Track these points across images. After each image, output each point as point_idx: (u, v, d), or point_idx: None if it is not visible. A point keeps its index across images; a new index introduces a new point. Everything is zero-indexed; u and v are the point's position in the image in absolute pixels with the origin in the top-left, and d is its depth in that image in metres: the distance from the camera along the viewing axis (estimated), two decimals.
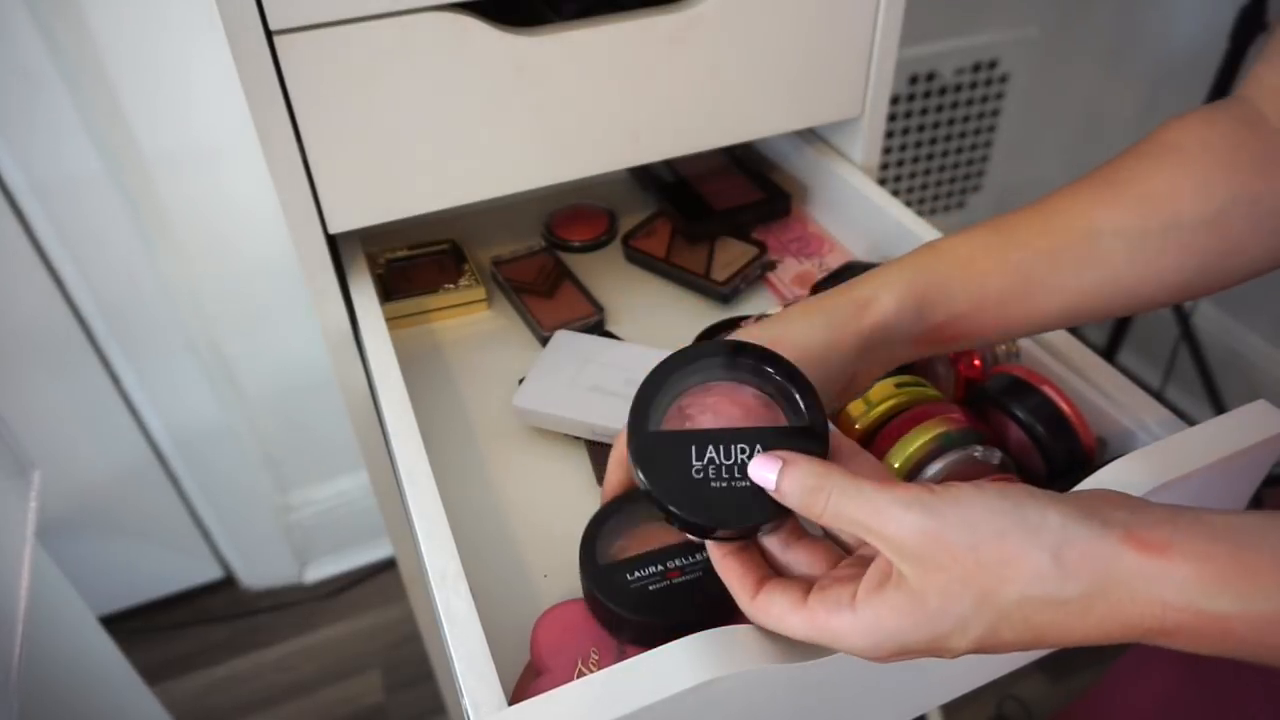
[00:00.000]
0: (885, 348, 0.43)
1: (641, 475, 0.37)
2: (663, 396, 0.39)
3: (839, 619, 0.32)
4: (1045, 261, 0.42)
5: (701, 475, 0.36)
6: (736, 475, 0.36)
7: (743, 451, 0.36)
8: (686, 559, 0.44)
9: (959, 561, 0.30)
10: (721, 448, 0.37)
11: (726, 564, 0.37)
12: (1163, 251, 0.41)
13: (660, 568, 0.43)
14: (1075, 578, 0.29)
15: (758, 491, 0.36)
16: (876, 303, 0.42)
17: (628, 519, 0.46)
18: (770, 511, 0.35)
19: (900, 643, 0.31)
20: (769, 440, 0.37)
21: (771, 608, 0.34)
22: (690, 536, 0.38)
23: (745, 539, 0.37)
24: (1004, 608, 0.30)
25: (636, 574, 0.43)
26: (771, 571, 0.37)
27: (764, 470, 0.35)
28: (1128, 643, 0.30)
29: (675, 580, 0.43)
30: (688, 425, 0.38)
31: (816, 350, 0.41)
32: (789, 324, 0.42)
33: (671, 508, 0.36)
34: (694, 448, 0.37)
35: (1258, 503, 0.74)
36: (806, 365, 0.39)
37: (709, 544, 0.38)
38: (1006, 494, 0.31)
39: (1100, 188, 0.43)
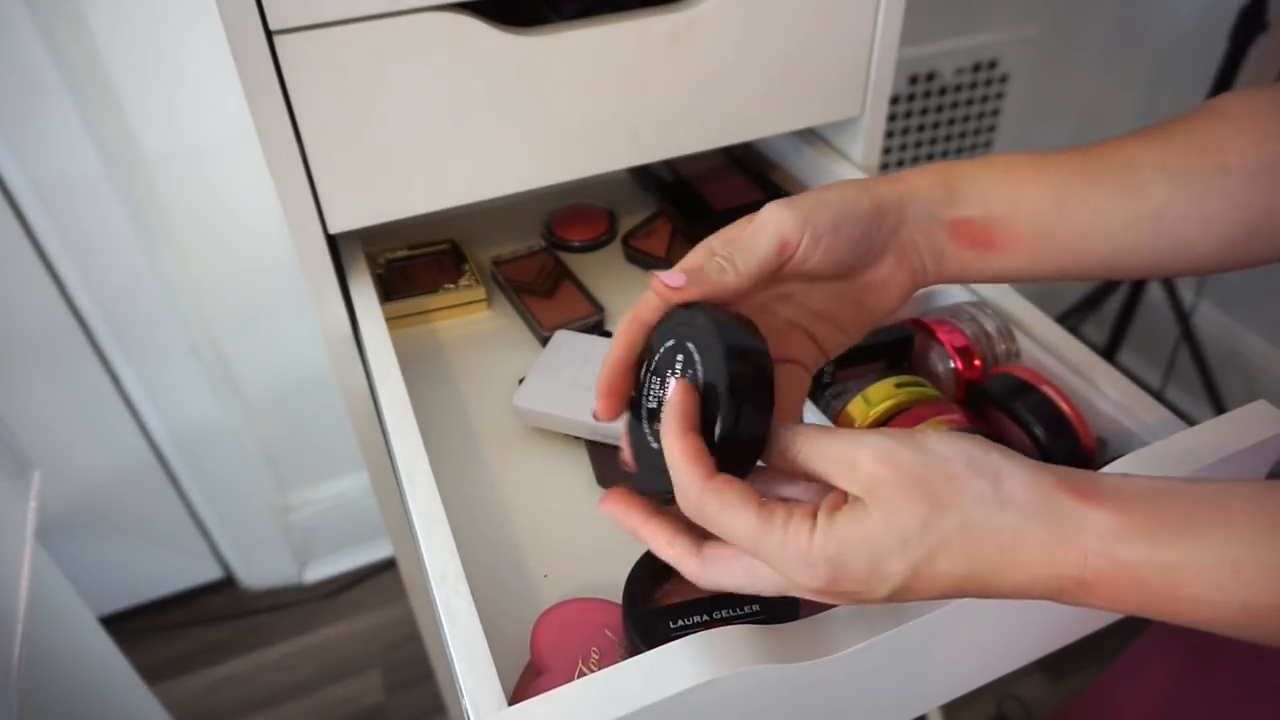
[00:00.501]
0: (921, 226, 0.41)
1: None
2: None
3: (798, 524, 0.32)
4: (1083, 181, 0.41)
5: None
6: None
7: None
8: (733, 610, 0.42)
9: (906, 476, 0.32)
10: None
11: (685, 442, 0.34)
12: (1207, 193, 0.41)
13: (705, 617, 0.42)
14: (1011, 504, 0.31)
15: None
16: (906, 178, 0.42)
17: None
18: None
19: (840, 560, 0.32)
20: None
21: (727, 491, 0.33)
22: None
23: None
24: (945, 530, 0.31)
25: (680, 622, 0.42)
26: None
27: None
28: (1047, 599, 0.32)
29: None
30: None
31: (858, 211, 0.40)
32: (825, 191, 0.41)
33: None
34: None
35: None
36: (846, 227, 0.39)
37: (665, 432, 0.35)
38: (954, 437, 0.33)
39: (1141, 134, 0.43)
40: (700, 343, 0.36)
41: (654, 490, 0.36)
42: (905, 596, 0.33)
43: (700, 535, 0.36)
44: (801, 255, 0.39)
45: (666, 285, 0.37)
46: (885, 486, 0.32)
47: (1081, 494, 0.31)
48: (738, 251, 0.38)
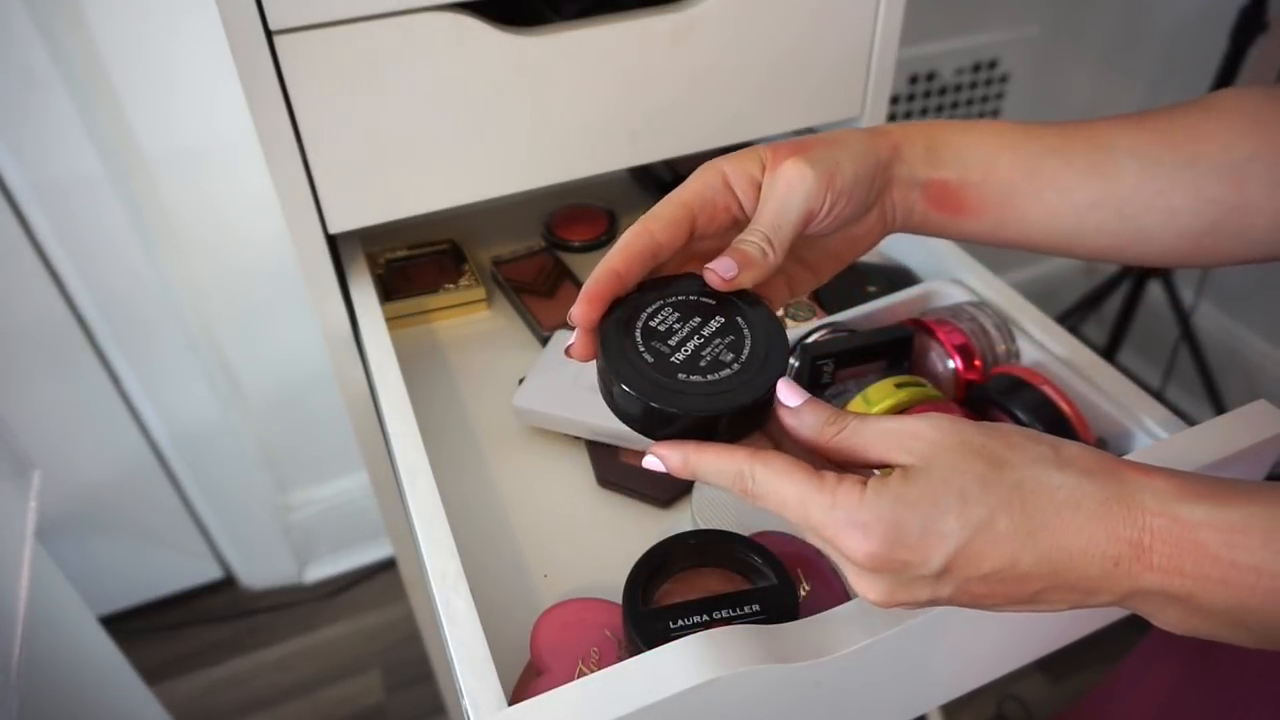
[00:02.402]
0: (901, 183, 0.42)
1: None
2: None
3: (849, 488, 0.31)
4: (1057, 158, 0.42)
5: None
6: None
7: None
8: (733, 610, 0.42)
9: (966, 442, 0.32)
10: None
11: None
12: (1176, 184, 0.41)
13: (705, 617, 0.42)
14: (1070, 465, 0.31)
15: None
16: (896, 135, 0.42)
17: (675, 564, 0.46)
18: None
19: (896, 524, 0.30)
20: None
21: (774, 461, 0.33)
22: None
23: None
24: (1004, 488, 0.31)
25: (680, 622, 0.42)
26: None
27: (791, 392, 0.35)
28: (1104, 579, 0.30)
29: None
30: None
31: (866, 171, 0.41)
32: (837, 147, 0.41)
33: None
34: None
35: None
36: (858, 191, 0.40)
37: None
38: (1006, 425, 0.34)
39: (1127, 118, 0.43)
40: (751, 321, 0.37)
41: (648, 410, 0.35)
42: (960, 568, 0.31)
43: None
44: (819, 223, 0.40)
45: (722, 277, 0.37)
46: (946, 452, 0.31)
47: (1137, 468, 0.32)
48: (772, 231, 0.38)
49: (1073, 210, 0.42)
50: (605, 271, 0.37)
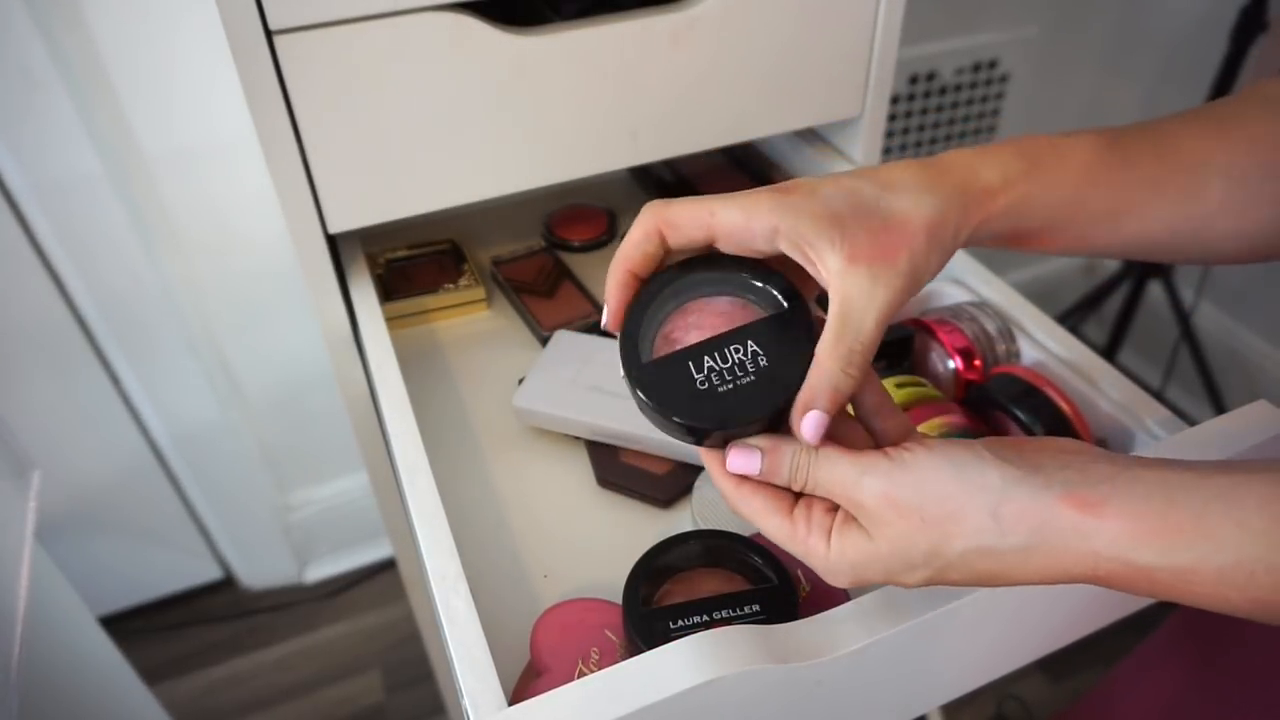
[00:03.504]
0: (974, 237, 0.41)
1: (650, 403, 0.37)
2: (646, 330, 0.39)
3: (816, 541, 0.36)
4: (1150, 188, 0.41)
5: (706, 385, 0.37)
6: (739, 374, 0.37)
7: (738, 352, 0.37)
8: (733, 610, 0.42)
9: (906, 517, 0.34)
10: (717, 354, 0.37)
11: (713, 456, 0.38)
12: (1259, 199, 0.41)
13: (705, 617, 0.42)
14: (1013, 532, 0.32)
15: (767, 380, 0.36)
16: (988, 203, 0.39)
17: (675, 564, 0.46)
18: (786, 392, 0.36)
19: (858, 575, 0.35)
20: (758, 333, 0.38)
21: (755, 501, 0.37)
22: (704, 449, 0.39)
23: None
24: (949, 558, 0.34)
25: (680, 622, 0.42)
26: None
27: (746, 461, 0.37)
28: (1068, 583, 0.33)
29: None
30: (677, 348, 0.38)
31: (920, 230, 0.38)
32: (898, 196, 0.38)
33: (691, 422, 0.36)
34: (691, 363, 0.37)
35: None
36: (924, 279, 0.38)
37: (704, 451, 0.39)
38: (953, 458, 0.34)
39: (1208, 123, 0.42)
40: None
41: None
42: (934, 585, 0.35)
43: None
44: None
45: (814, 438, 0.36)
46: (887, 528, 0.34)
47: (1087, 505, 0.31)
48: (850, 359, 0.36)
49: (1151, 236, 0.42)
50: (623, 273, 0.39)
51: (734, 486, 0.38)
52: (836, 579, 0.36)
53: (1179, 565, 0.30)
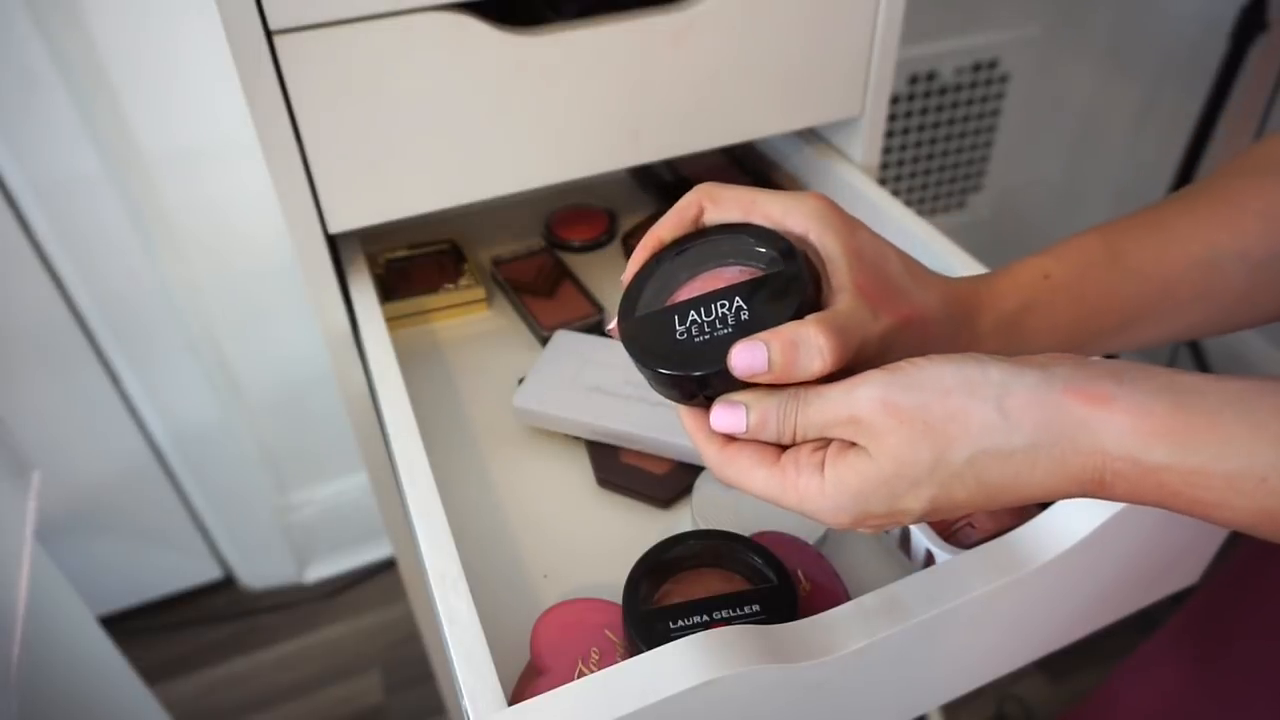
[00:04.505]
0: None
1: (631, 352, 0.38)
2: (652, 294, 0.39)
3: (807, 480, 0.33)
4: (1158, 295, 0.40)
5: (685, 337, 0.37)
6: (718, 327, 0.37)
7: (723, 306, 0.37)
8: (733, 610, 0.42)
9: (908, 423, 0.31)
10: (702, 309, 0.37)
11: (695, 420, 0.37)
12: (1274, 280, 0.40)
13: (705, 617, 0.42)
14: (1019, 429, 0.30)
15: (742, 332, 0.36)
16: (968, 336, 0.40)
17: (675, 564, 0.46)
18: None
19: (861, 507, 0.33)
20: (747, 291, 0.37)
21: (740, 459, 0.35)
22: (680, 402, 0.38)
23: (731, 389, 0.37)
24: (955, 466, 0.31)
25: (680, 622, 0.42)
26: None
27: (730, 417, 0.35)
28: (1073, 496, 0.32)
29: None
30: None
31: (928, 324, 0.38)
32: (920, 287, 0.38)
33: (659, 368, 0.36)
34: (676, 316, 0.38)
35: None
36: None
37: (681, 409, 0.38)
38: (951, 357, 0.33)
39: (1218, 206, 0.41)
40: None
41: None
42: (934, 515, 0.33)
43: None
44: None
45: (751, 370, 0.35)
46: (888, 437, 0.32)
47: (1094, 398, 0.30)
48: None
49: (1158, 336, 0.42)
50: (655, 239, 0.40)
51: (717, 450, 0.36)
52: (838, 516, 0.33)
53: (1189, 466, 0.29)
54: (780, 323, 0.35)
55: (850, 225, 0.38)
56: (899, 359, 0.34)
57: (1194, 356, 1.41)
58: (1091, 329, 0.41)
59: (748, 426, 0.35)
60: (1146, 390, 0.30)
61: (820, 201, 0.38)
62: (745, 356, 0.34)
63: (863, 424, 0.32)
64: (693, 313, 0.37)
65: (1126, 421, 0.29)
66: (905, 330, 0.37)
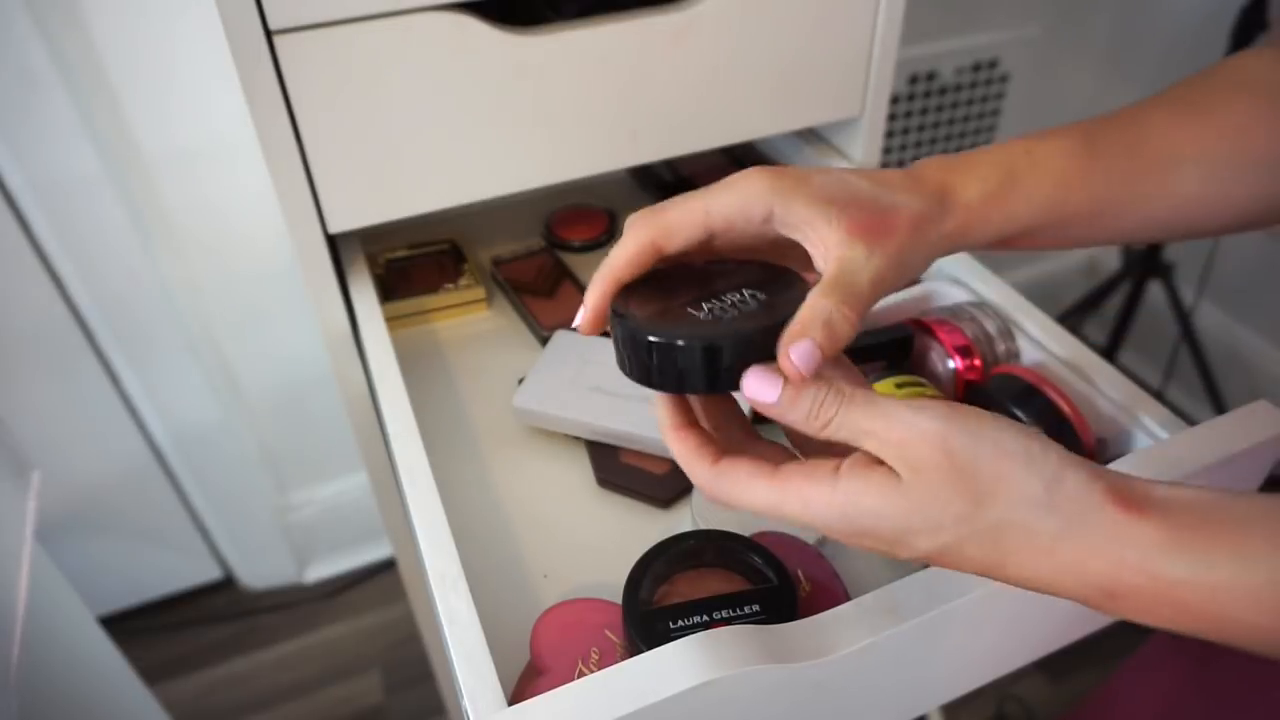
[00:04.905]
0: (956, 246, 0.40)
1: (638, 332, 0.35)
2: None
3: (815, 487, 0.32)
4: (1126, 186, 0.41)
5: (707, 316, 0.35)
6: (731, 310, 0.35)
7: (735, 295, 0.35)
8: (733, 609, 0.42)
9: (956, 468, 0.30)
10: (715, 300, 0.35)
11: (680, 436, 0.36)
12: (1235, 183, 0.42)
13: (705, 617, 0.42)
14: (1056, 513, 0.30)
15: (762, 313, 0.34)
16: (966, 215, 0.39)
17: (675, 564, 0.46)
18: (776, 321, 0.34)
19: (869, 525, 0.31)
20: (751, 277, 0.36)
21: (735, 472, 0.34)
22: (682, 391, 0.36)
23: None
24: (982, 525, 0.31)
25: (680, 622, 0.42)
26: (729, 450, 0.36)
27: (763, 384, 0.33)
28: (1074, 600, 0.31)
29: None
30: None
31: (908, 222, 0.37)
32: (887, 191, 0.37)
33: (652, 337, 0.34)
34: (689, 309, 0.35)
35: None
36: (912, 271, 0.37)
37: (663, 432, 0.36)
38: (1020, 428, 0.32)
39: (1183, 111, 0.42)
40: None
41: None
42: (933, 562, 0.32)
43: (723, 451, 0.35)
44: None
45: (802, 372, 0.33)
46: (931, 473, 0.31)
47: (1129, 505, 0.30)
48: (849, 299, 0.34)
49: (1124, 229, 0.42)
50: (610, 282, 0.37)
51: (708, 467, 0.34)
52: (838, 525, 0.32)
53: (1211, 581, 0.28)
54: (793, 308, 0.34)
55: (801, 179, 0.36)
56: (912, 270, 0.35)
57: (1194, 357, 1.41)
58: (1067, 210, 0.41)
59: (778, 400, 0.33)
60: (1178, 505, 0.30)
61: (762, 178, 0.36)
62: (803, 353, 0.32)
63: (909, 450, 0.31)
64: (705, 304, 0.35)
65: (1154, 533, 0.29)
66: (907, 240, 0.36)
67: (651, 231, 0.36)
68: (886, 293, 0.36)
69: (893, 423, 0.31)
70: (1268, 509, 0.29)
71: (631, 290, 0.37)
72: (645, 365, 0.35)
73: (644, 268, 0.37)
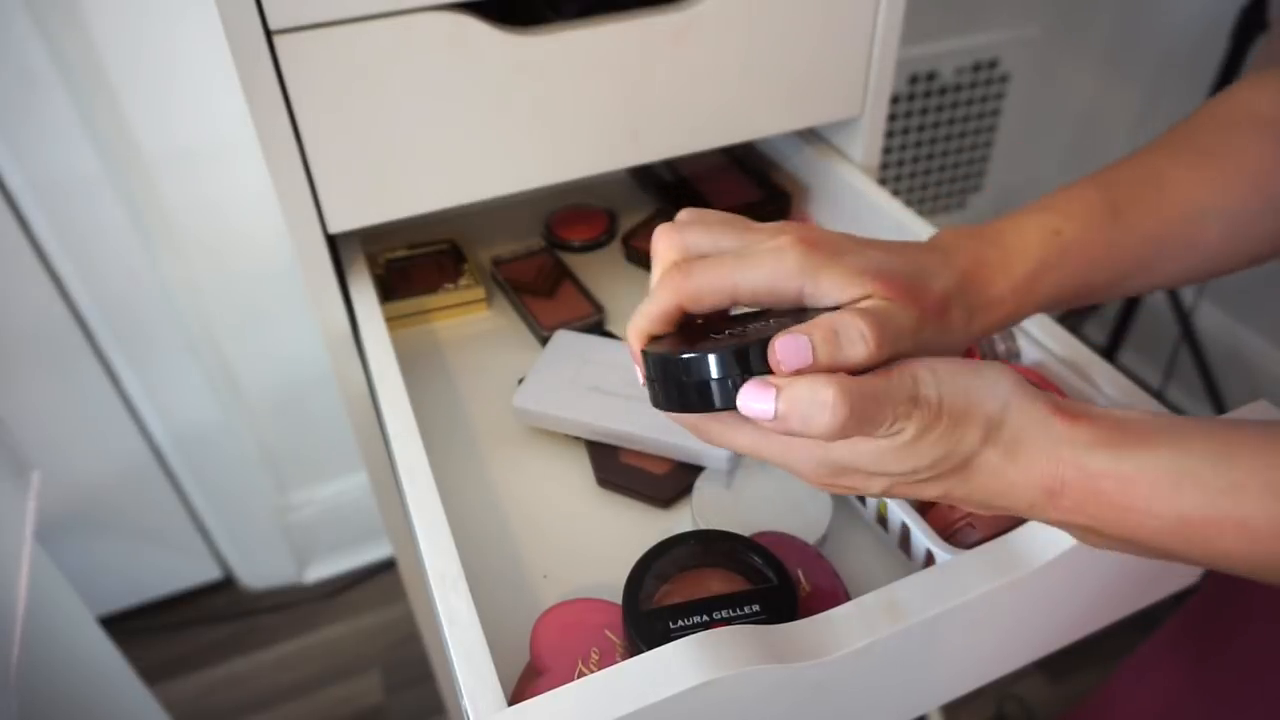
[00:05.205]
0: (968, 340, 0.41)
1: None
2: None
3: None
4: (1152, 248, 0.42)
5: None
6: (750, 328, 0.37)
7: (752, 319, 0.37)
8: (733, 609, 0.42)
9: (933, 409, 0.34)
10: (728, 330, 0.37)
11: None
12: (1256, 225, 0.43)
13: (705, 617, 0.42)
14: (1009, 428, 0.34)
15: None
16: (996, 310, 0.40)
17: (675, 564, 0.46)
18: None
19: (847, 461, 0.35)
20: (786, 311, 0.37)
21: (722, 414, 0.36)
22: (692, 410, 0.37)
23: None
24: (950, 465, 0.35)
25: (680, 622, 0.42)
26: None
27: (757, 400, 0.33)
28: (1033, 504, 0.35)
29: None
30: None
31: (938, 298, 0.38)
32: (920, 269, 0.38)
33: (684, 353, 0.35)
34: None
35: None
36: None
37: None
38: (969, 365, 0.35)
39: (1203, 161, 0.43)
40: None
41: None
42: (893, 493, 0.36)
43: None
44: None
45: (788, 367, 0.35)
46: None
47: (1068, 415, 0.34)
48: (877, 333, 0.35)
49: (1150, 284, 0.44)
50: (639, 337, 0.39)
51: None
52: (805, 461, 0.35)
53: (1123, 470, 0.33)
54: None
55: (834, 253, 0.36)
56: (933, 348, 0.37)
57: (1194, 357, 1.41)
58: (1095, 283, 0.42)
59: (776, 413, 0.33)
60: (1106, 417, 0.34)
61: (793, 256, 0.36)
62: (790, 346, 0.33)
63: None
64: (728, 329, 0.37)
65: (1086, 434, 0.34)
66: (932, 317, 0.37)
67: (678, 297, 0.37)
68: (925, 351, 0.36)
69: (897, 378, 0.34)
70: (1179, 421, 0.34)
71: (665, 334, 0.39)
72: (654, 386, 0.37)
73: (671, 326, 0.38)
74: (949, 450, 0.34)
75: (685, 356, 0.34)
